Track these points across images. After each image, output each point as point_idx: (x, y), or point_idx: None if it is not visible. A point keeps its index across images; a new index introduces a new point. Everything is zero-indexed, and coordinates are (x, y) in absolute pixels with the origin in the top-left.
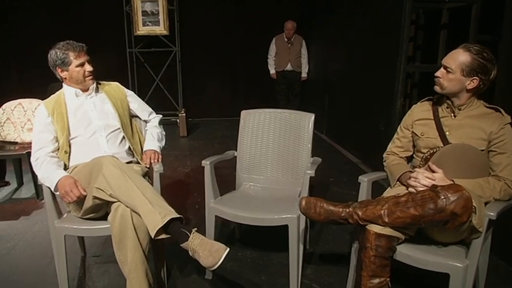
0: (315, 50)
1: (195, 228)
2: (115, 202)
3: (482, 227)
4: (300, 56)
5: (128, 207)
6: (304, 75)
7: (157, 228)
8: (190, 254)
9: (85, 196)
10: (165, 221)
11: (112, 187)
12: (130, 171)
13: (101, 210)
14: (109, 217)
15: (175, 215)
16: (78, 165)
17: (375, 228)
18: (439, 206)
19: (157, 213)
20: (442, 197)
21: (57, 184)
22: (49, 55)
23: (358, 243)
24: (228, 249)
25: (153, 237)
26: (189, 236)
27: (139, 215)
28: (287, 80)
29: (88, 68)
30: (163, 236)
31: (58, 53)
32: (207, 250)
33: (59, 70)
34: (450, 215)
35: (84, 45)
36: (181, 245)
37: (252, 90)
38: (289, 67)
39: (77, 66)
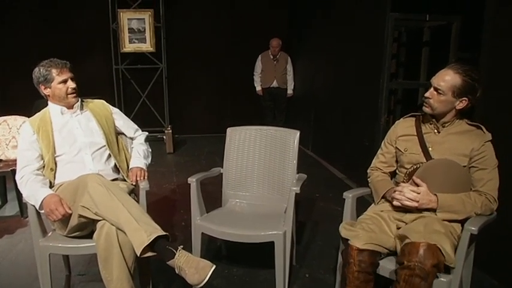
0: (302, 66)
1: (181, 246)
2: (100, 220)
3: (453, 263)
4: (286, 73)
5: (113, 225)
6: (290, 91)
7: (143, 247)
8: (177, 272)
9: (70, 214)
10: (151, 239)
11: (97, 205)
12: (115, 189)
13: (87, 229)
14: (94, 235)
15: (161, 232)
16: (63, 183)
17: (357, 243)
18: (423, 273)
19: (143, 231)
20: (416, 263)
21: (42, 202)
22: (33, 73)
23: (342, 259)
24: (214, 266)
25: (138, 255)
26: (175, 254)
27: (125, 233)
28: (273, 97)
29: (71, 85)
30: (149, 254)
31: (41, 70)
32: (193, 267)
33: (42, 87)
34: (433, 268)
35: (68, 62)
36: (167, 263)
37: (238, 106)
38: (275, 84)
39: (60, 82)
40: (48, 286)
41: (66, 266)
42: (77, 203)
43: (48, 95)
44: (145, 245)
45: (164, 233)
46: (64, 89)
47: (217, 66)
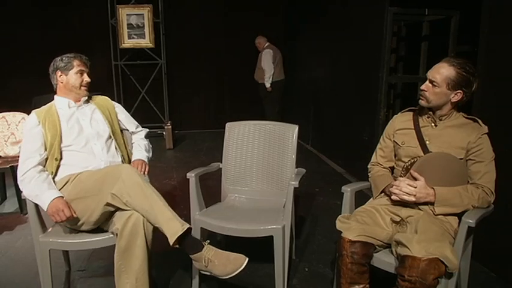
0: (300, 61)
1: (208, 241)
2: (126, 211)
3: (456, 269)
4: (260, 68)
5: (143, 214)
6: (266, 85)
7: (178, 236)
8: (203, 264)
9: (74, 218)
10: (185, 229)
11: (130, 194)
12: (147, 181)
13: (99, 223)
14: (117, 225)
15: (188, 225)
16: (73, 175)
17: (349, 235)
18: (424, 287)
19: (177, 221)
20: (417, 279)
21: (48, 205)
22: (53, 61)
23: (337, 252)
24: (248, 258)
25: (171, 244)
26: (203, 246)
27: (157, 223)
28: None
29: (86, 78)
30: (177, 245)
31: (64, 58)
32: (225, 259)
33: (58, 73)
34: (434, 281)
35: (89, 60)
36: (191, 255)
37: (238, 102)
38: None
39: (77, 72)
40: (49, 282)
41: (66, 262)
42: (104, 191)
43: (61, 82)
44: (180, 234)
45: (191, 226)
46: (79, 80)
47: (216, 61)
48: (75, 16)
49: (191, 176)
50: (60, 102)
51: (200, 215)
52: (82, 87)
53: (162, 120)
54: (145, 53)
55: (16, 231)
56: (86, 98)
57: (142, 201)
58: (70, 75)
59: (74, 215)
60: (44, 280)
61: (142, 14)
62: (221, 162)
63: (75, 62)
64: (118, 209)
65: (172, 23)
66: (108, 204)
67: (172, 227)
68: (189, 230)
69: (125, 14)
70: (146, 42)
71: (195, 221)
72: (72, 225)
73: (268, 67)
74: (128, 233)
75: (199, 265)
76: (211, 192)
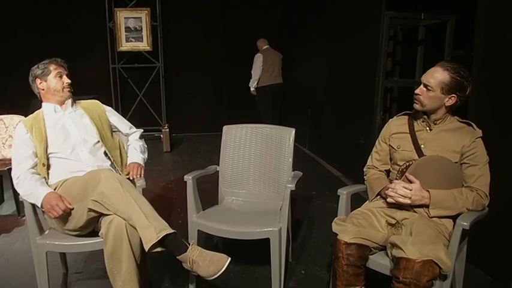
0: (296, 64)
1: (193, 241)
2: (109, 215)
3: (450, 271)
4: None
5: (124, 218)
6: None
7: (152, 243)
8: (188, 265)
9: (71, 210)
10: (160, 237)
11: (110, 200)
12: (127, 185)
13: (88, 228)
14: (102, 230)
15: (170, 230)
16: (60, 181)
17: (345, 237)
18: None
19: (152, 228)
20: (412, 280)
21: (43, 200)
22: (30, 70)
23: (332, 254)
24: (230, 258)
25: (146, 251)
26: (188, 247)
27: (135, 228)
28: None
29: (66, 80)
30: (158, 249)
31: (39, 66)
32: (208, 260)
33: (38, 81)
34: (428, 283)
35: (65, 61)
36: (177, 257)
37: (236, 104)
38: None
39: (56, 76)
40: (46, 284)
41: (63, 264)
42: (88, 197)
43: (43, 90)
44: (154, 242)
45: (172, 231)
46: (60, 83)
47: (214, 64)
48: (73, 19)
49: (188, 178)
50: (47, 108)
51: (197, 217)
52: (65, 89)
53: (159, 123)
54: (143, 56)
55: (13, 233)
56: (70, 100)
57: (122, 206)
58: (50, 80)
59: (70, 206)
60: (41, 282)
61: (140, 17)
62: (218, 165)
63: (52, 66)
64: (102, 214)
65: (170, 26)
66: (90, 210)
67: (148, 235)
68: (170, 234)
69: (123, 17)
70: (144, 45)
71: (192, 223)
72: (62, 227)
73: (253, 72)
74: (111, 237)
75: (186, 266)
76: (209, 195)
